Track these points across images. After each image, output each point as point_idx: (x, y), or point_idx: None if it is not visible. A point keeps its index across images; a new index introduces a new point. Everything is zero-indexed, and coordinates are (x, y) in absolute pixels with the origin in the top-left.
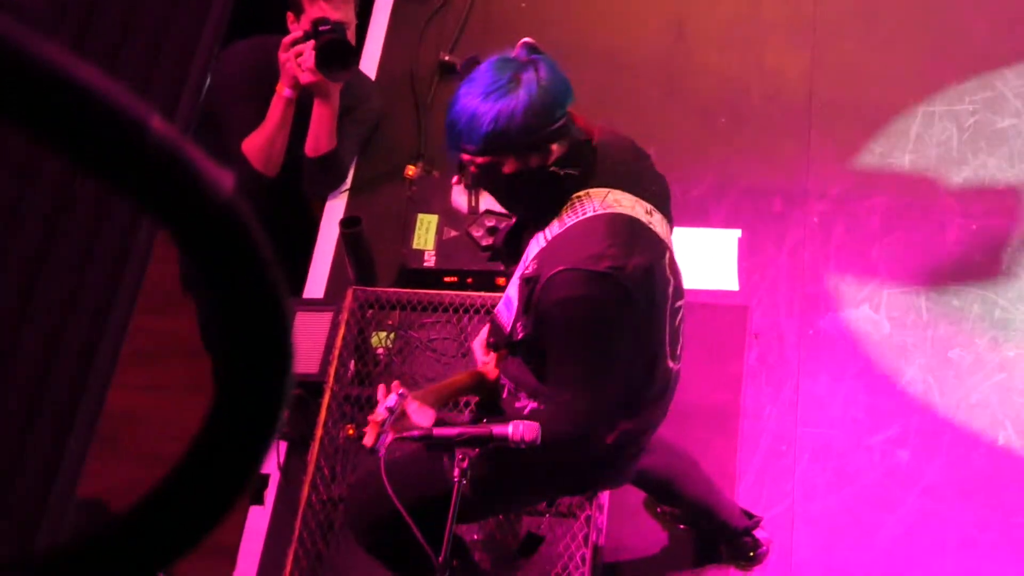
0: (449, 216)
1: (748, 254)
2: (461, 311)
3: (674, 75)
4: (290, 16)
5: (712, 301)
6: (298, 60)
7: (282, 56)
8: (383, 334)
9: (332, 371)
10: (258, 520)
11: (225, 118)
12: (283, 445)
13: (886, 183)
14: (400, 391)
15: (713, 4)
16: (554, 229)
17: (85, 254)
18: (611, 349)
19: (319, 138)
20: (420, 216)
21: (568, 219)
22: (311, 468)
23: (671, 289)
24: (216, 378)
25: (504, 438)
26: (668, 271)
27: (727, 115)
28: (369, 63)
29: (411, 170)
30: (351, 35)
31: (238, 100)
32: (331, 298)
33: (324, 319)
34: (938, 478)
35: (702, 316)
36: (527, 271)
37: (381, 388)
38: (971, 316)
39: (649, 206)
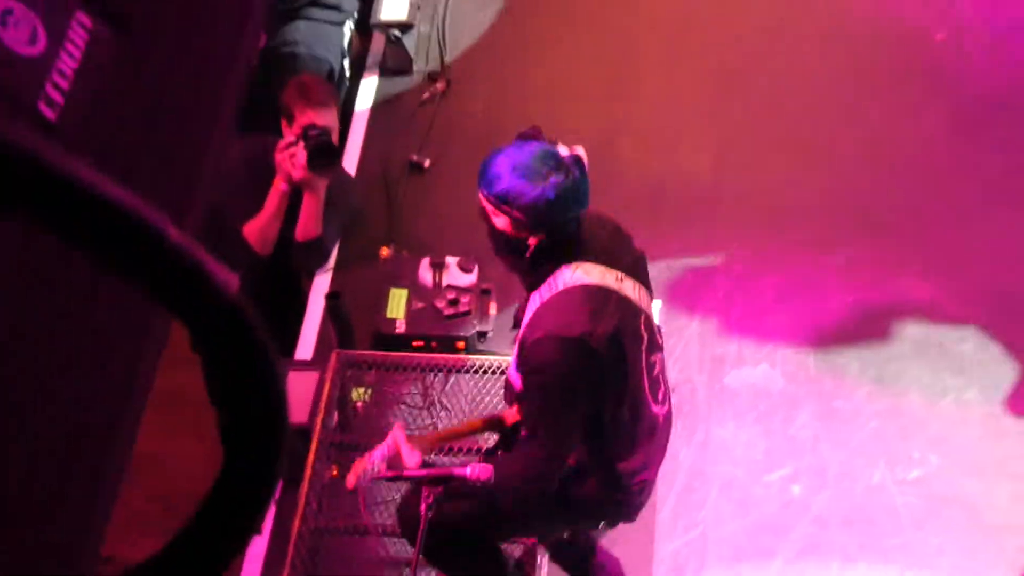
0: (417, 290)
1: (667, 320)
2: (427, 370)
3: (603, 174)
4: (283, 122)
5: None
6: (292, 160)
7: (278, 156)
8: (361, 389)
9: (319, 421)
10: (257, 547)
11: (227, 205)
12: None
13: (779, 262)
14: (396, 433)
15: (636, 115)
16: (543, 295)
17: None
18: (574, 412)
19: (307, 226)
20: (392, 290)
21: (545, 292)
22: (301, 502)
23: (645, 344)
24: (223, 434)
25: (463, 478)
26: (643, 328)
27: (648, 207)
28: (350, 162)
29: (384, 251)
30: (335, 138)
31: (238, 191)
32: (318, 359)
33: (312, 377)
34: (824, 509)
35: None
36: (519, 335)
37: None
38: (851, 373)
39: (619, 274)
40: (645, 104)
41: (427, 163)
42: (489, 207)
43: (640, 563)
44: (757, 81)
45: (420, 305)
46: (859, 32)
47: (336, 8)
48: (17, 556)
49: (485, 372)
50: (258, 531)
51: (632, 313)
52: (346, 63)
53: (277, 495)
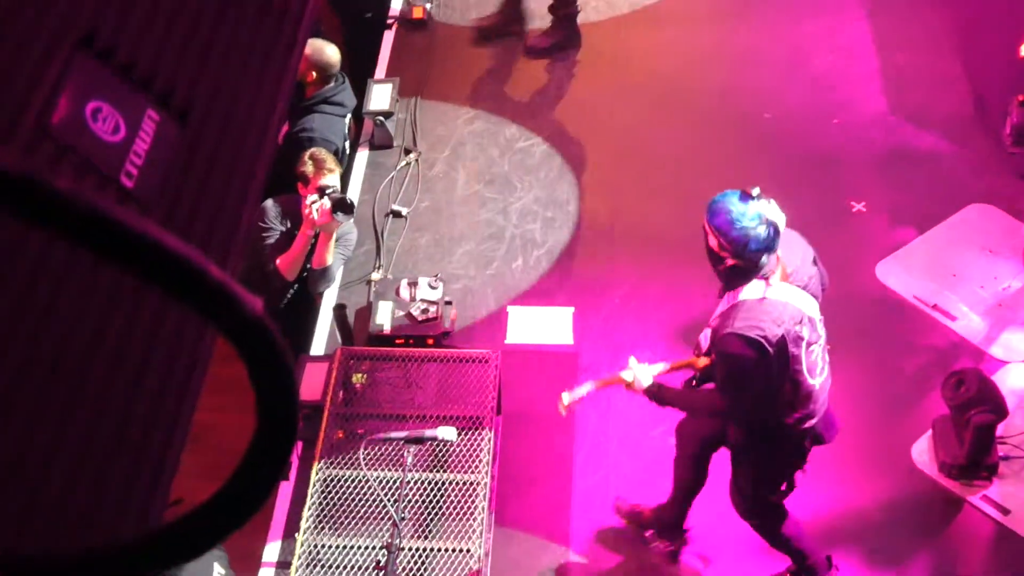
0: (398, 302)
1: (578, 322)
2: (406, 360)
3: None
4: (300, 186)
5: (555, 351)
6: (319, 211)
7: (306, 211)
8: (359, 375)
9: (329, 398)
10: (285, 489)
11: (263, 244)
12: (299, 444)
13: (660, 279)
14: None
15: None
16: (730, 299)
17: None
18: (747, 390)
19: (321, 257)
20: (380, 302)
21: (732, 297)
22: (317, 456)
23: (805, 342)
24: (257, 412)
25: (433, 437)
26: (805, 329)
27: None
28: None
29: (374, 276)
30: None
31: (272, 234)
32: (328, 353)
33: (323, 367)
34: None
35: (548, 360)
36: (713, 324)
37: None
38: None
39: (797, 289)
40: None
41: (404, 211)
42: (708, 228)
43: (562, 499)
44: (644, 149)
45: (400, 313)
46: (715, 114)
47: (340, 104)
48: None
49: (448, 361)
50: (285, 477)
51: (798, 321)
52: (347, 144)
53: (299, 451)
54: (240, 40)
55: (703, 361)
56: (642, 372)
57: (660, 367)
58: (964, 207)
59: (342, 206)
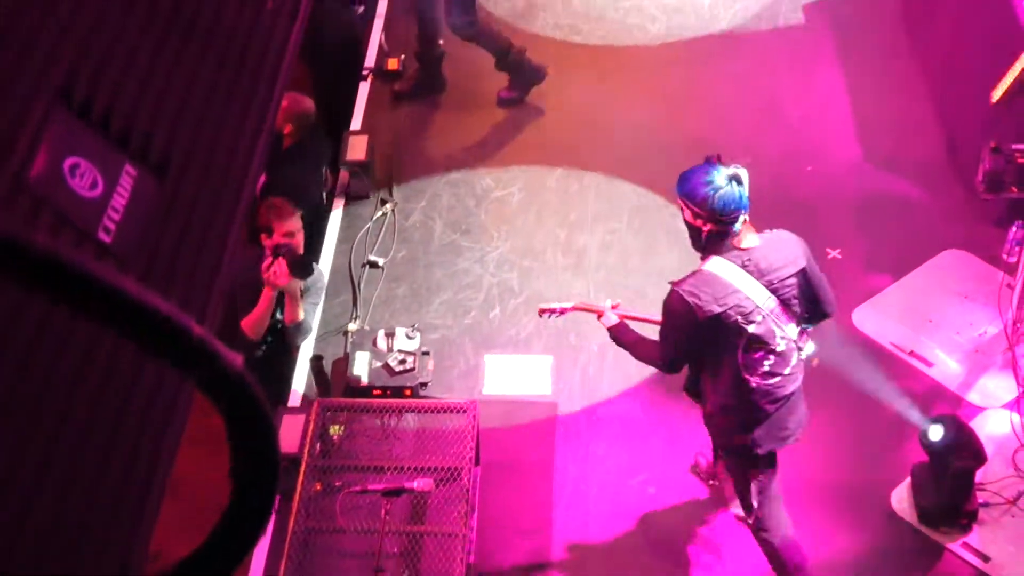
0: (375, 353)
1: (556, 372)
2: (384, 412)
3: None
4: (263, 236)
5: (533, 401)
6: (275, 274)
7: (265, 274)
8: (337, 426)
9: (306, 450)
10: (262, 544)
11: (238, 297)
12: (276, 496)
13: (637, 325)
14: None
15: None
16: (700, 264)
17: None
18: (676, 341)
19: (292, 314)
20: (357, 353)
21: (705, 263)
22: (294, 509)
23: (750, 335)
24: (234, 467)
25: (411, 488)
26: (742, 321)
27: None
28: (325, 262)
29: (351, 327)
30: (300, 241)
31: (244, 288)
32: (305, 405)
33: (300, 419)
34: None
35: (526, 410)
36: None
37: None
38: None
39: (754, 281)
40: (544, 204)
41: (381, 261)
42: (680, 203)
43: (543, 548)
44: (620, 196)
45: (377, 364)
46: (689, 161)
47: (316, 155)
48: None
49: (426, 412)
50: (263, 532)
51: (746, 312)
52: (323, 195)
53: (276, 504)
54: (217, 95)
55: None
56: (613, 313)
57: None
58: (939, 253)
59: (298, 267)
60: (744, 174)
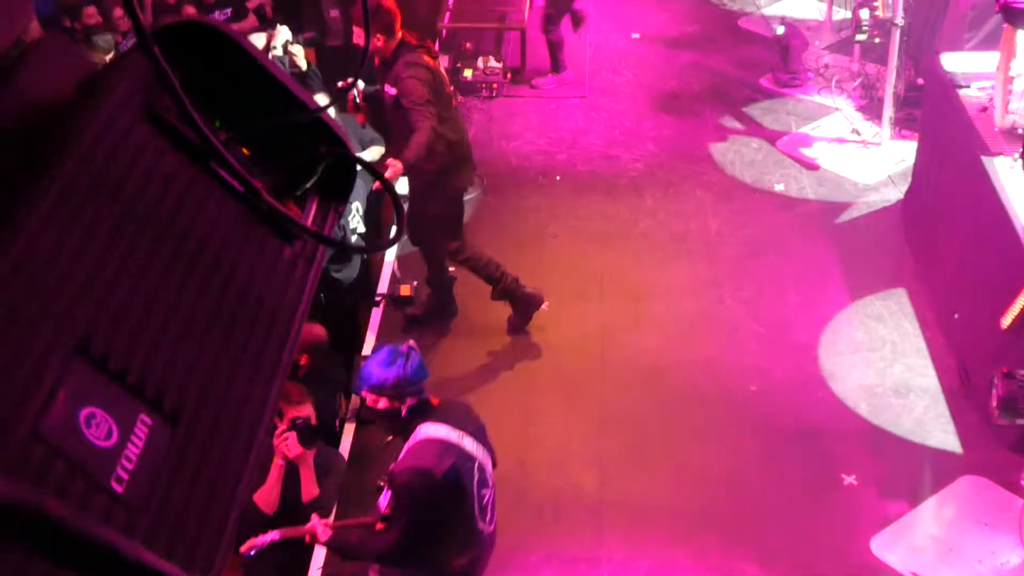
0: None
1: None
2: None
3: (515, 488)
4: (276, 420)
5: None
6: (286, 443)
7: (275, 442)
8: None
9: None
10: None
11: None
12: None
13: (648, 556)
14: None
15: (540, 437)
16: (409, 443)
17: None
18: (422, 519)
19: (308, 489)
20: None
21: (411, 440)
22: None
23: (476, 482)
24: None
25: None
26: (476, 471)
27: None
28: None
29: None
30: (313, 420)
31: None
32: None
33: None
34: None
35: None
36: (390, 468)
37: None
38: None
39: (461, 433)
40: (548, 428)
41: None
42: (371, 397)
43: None
44: (631, 421)
45: None
46: (701, 387)
47: (330, 381)
48: None
49: None
50: None
51: (467, 458)
52: (337, 421)
53: None
54: (233, 344)
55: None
56: (321, 526)
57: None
58: (955, 479)
59: (306, 432)
60: (413, 343)
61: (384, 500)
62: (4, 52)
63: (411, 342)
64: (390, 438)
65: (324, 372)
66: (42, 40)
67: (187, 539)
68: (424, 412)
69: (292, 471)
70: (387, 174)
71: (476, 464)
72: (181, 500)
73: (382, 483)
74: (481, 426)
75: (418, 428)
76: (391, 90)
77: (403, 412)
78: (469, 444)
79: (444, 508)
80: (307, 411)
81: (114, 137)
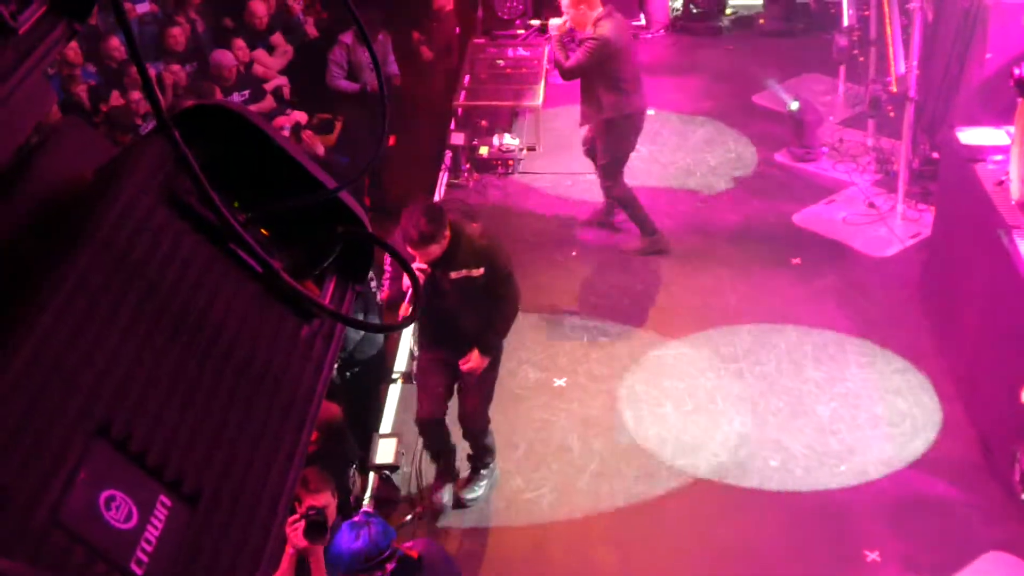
0: None
1: None
2: None
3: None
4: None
5: None
6: (295, 533)
7: (287, 530)
8: None
9: None
10: None
11: None
12: None
13: None
14: None
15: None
16: None
17: None
18: None
19: (318, 574)
20: None
21: None
22: None
23: None
24: None
25: None
26: None
27: None
28: None
29: None
30: (332, 512)
31: None
32: None
33: None
34: None
35: None
36: None
37: None
38: None
39: None
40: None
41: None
42: None
43: None
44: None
45: None
46: (728, 461)
47: (344, 458)
48: None
49: None
50: None
51: None
52: (352, 498)
53: None
54: (252, 424)
55: None
56: None
57: None
58: (980, 555)
59: (313, 527)
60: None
61: None
62: (26, 137)
63: (366, 508)
64: None
65: (337, 449)
66: (61, 124)
67: None
68: (408, 571)
69: (305, 558)
70: (465, 367)
71: None
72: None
73: None
74: None
75: None
76: (456, 275)
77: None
78: None
79: None
80: (324, 500)
81: (134, 221)
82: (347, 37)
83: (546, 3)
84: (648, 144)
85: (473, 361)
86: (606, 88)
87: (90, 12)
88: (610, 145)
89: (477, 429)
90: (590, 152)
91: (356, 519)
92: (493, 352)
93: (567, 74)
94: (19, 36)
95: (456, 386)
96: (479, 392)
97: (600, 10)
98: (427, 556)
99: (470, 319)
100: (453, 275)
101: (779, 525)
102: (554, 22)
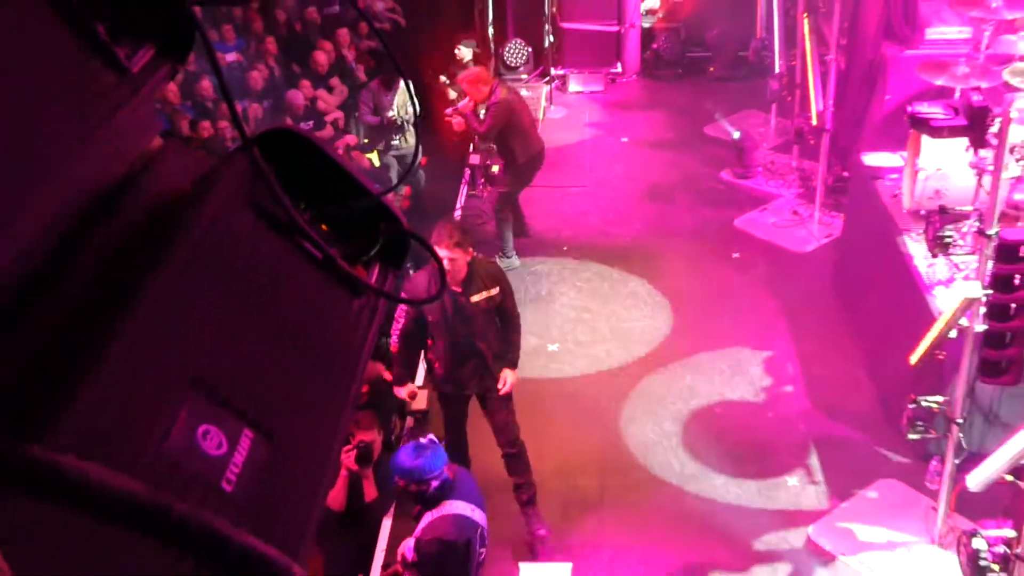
0: None
1: None
2: None
3: None
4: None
5: None
6: (348, 459)
7: (343, 456)
8: None
9: None
10: None
11: None
12: None
13: None
14: None
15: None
16: (433, 514)
17: None
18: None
19: (369, 492)
20: None
21: (435, 512)
22: None
23: (479, 546)
24: None
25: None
26: (479, 538)
27: None
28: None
29: None
30: (378, 446)
31: None
32: None
33: None
34: None
35: None
36: (416, 535)
37: None
38: None
39: (474, 507)
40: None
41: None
42: (402, 482)
43: None
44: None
45: None
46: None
47: (387, 406)
48: None
49: None
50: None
51: (477, 527)
52: (393, 437)
53: None
54: (315, 380)
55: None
56: None
57: None
58: (876, 481)
59: (362, 457)
60: (432, 436)
61: (409, 552)
62: (137, 157)
63: (431, 435)
64: (418, 509)
65: (382, 398)
66: (163, 147)
67: (281, 528)
68: (445, 490)
69: (358, 478)
70: (504, 391)
71: (480, 531)
72: (276, 498)
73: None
74: (482, 498)
75: (443, 504)
76: (477, 298)
77: (429, 491)
78: (479, 516)
79: (456, 570)
80: (372, 436)
81: (224, 220)
82: (373, 84)
83: (545, 55)
84: (623, 165)
85: (508, 382)
86: (515, 139)
87: (188, 55)
88: (514, 181)
89: (513, 436)
90: (490, 182)
91: (423, 441)
92: (517, 365)
93: (484, 137)
94: (133, 74)
95: (483, 410)
96: (505, 406)
97: (494, 82)
98: (458, 476)
99: (494, 337)
100: (474, 299)
101: (722, 456)
102: (460, 104)
